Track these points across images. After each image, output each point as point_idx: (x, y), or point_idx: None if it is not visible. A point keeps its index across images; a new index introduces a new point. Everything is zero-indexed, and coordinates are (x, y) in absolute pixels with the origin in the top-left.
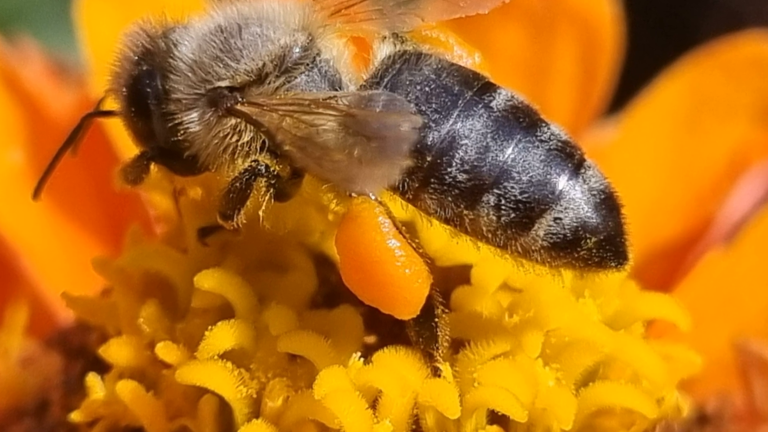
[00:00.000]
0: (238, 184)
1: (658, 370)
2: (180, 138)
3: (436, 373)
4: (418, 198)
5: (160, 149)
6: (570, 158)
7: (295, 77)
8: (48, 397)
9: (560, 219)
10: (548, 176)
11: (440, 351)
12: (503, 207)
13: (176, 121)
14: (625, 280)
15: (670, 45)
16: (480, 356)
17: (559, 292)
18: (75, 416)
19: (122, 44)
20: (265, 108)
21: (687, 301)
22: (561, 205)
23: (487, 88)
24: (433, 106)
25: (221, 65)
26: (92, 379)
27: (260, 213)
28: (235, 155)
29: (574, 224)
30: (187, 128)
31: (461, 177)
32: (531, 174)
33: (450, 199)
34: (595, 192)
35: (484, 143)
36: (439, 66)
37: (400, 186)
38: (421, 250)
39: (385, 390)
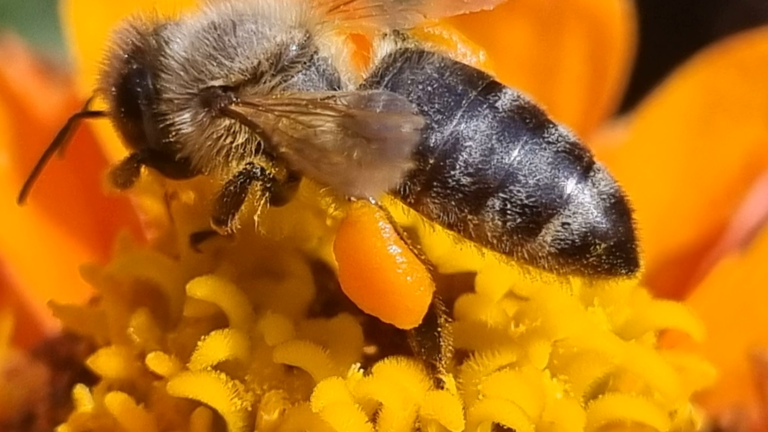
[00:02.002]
0: (232, 188)
1: (671, 381)
2: (172, 140)
3: (438, 384)
4: (420, 202)
5: (151, 151)
6: (579, 161)
7: (292, 76)
8: (34, 410)
9: (568, 224)
10: (556, 179)
11: (443, 362)
12: (509, 211)
13: (168, 122)
14: (636, 288)
15: (683, 43)
16: (485, 367)
17: (568, 301)
18: (62, 430)
19: (111, 42)
20: (260, 108)
21: (700, 309)
22: (569, 210)
23: (492, 87)
24: (436, 106)
25: (215, 64)
26: (80, 391)
27: (255, 218)
28: (229, 157)
29: (583, 230)
30: (179, 129)
31: (465, 180)
32: (538, 177)
33: (453, 203)
34: (604, 196)
35: (489, 145)
36: (442, 64)
37: (402, 190)
38: (423, 257)
39: (385, 402)
